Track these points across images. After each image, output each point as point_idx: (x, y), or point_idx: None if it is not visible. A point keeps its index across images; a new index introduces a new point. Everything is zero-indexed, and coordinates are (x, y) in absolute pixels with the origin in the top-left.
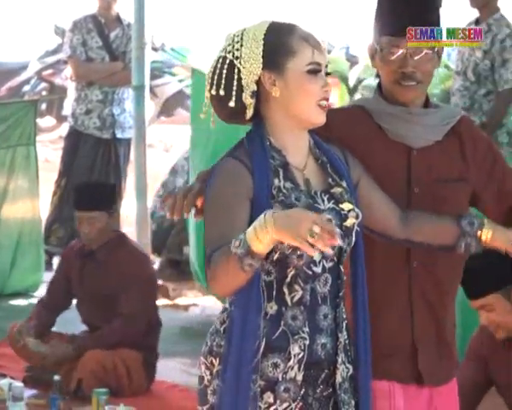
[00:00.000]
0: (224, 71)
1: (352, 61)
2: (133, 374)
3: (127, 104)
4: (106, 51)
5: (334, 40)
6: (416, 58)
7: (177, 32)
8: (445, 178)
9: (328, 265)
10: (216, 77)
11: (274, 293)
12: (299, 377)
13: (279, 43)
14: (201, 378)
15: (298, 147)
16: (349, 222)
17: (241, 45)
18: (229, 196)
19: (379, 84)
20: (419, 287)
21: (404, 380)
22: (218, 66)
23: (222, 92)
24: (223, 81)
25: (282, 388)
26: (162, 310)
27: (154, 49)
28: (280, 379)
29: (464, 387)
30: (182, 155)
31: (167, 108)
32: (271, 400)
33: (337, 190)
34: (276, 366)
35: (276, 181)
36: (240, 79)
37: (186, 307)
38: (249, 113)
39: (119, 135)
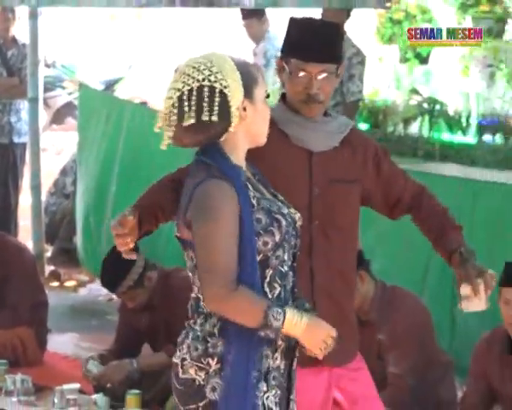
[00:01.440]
0: (217, 99)
1: None
2: (27, 347)
3: (23, 114)
4: (3, 68)
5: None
6: (319, 78)
7: (66, 51)
8: (341, 179)
9: (290, 262)
10: (205, 104)
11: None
12: (282, 366)
13: (246, 73)
14: (192, 380)
15: (244, 163)
16: (298, 224)
17: (224, 75)
18: (230, 218)
19: (283, 95)
20: (319, 277)
21: (301, 363)
22: (205, 95)
23: (215, 119)
24: (215, 108)
25: (272, 376)
26: (54, 292)
27: (47, 66)
28: (270, 369)
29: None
30: (71, 158)
31: (58, 117)
32: (265, 388)
33: (280, 197)
34: (267, 357)
35: (251, 193)
36: (229, 106)
37: (75, 289)
38: (226, 136)
39: (16, 140)
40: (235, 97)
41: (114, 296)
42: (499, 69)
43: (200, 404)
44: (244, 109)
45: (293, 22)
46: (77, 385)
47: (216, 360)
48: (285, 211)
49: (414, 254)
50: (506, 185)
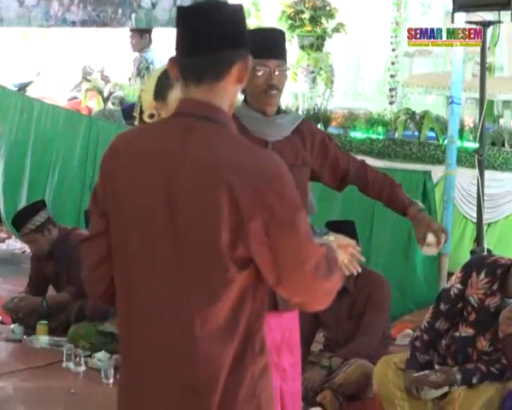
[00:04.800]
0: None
1: (106, 80)
2: None
3: None
4: None
5: (94, 65)
6: (276, 72)
7: None
8: (292, 164)
9: None
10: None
11: None
12: None
13: (165, 81)
14: None
15: None
16: None
17: (143, 88)
18: None
19: (245, 97)
20: None
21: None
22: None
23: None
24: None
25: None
26: None
27: None
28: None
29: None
30: None
31: None
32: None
33: None
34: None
35: None
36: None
37: None
38: None
39: None
40: (146, 103)
41: (27, 249)
42: (319, 75)
43: None
44: (156, 109)
45: (252, 31)
46: None
47: None
48: None
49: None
50: None
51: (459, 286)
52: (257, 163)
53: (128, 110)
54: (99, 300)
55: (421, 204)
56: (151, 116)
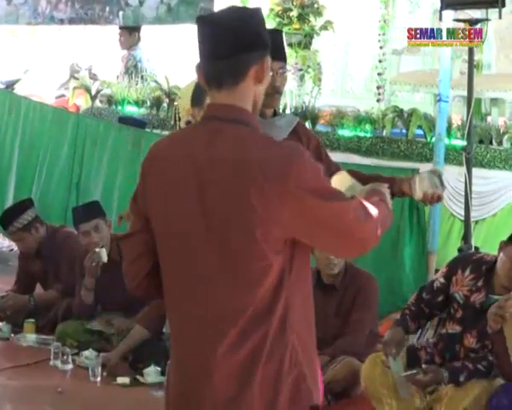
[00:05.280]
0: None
1: (94, 78)
2: None
3: None
4: None
5: (82, 63)
6: (279, 72)
7: None
8: None
9: None
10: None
11: None
12: None
13: (199, 87)
14: None
15: None
16: None
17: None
18: None
19: None
20: None
21: None
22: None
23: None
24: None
25: None
26: None
27: None
28: None
29: None
30: None
31: None
32: None
33: None
34: None
35: None
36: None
37: None
38: None
39: None
40: (182, 110)
41: (15, 247)
42: (307, 72)
43: None
44: (192, 116)
45: None
46: None
47: None
48: None
49: None
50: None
51: (442, 280)
52: (281, 158)
53: (126, 119)
54: (135, 291)
55: None
56: (187, 123)
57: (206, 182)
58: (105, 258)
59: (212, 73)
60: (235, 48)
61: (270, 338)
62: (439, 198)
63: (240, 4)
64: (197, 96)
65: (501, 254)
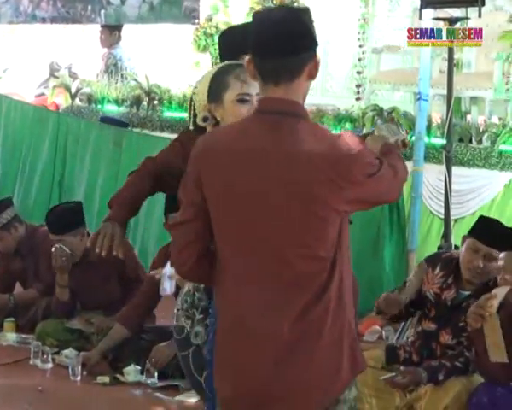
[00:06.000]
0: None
1: (74, 76)
2: None
3: None
4: None
5: (61, 62)
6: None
7: None
8: None
9: None
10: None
11: None
12: None
13: (218, 81)
14: (181, 328)
15: None
16: None
17: (195, 90)
18: None
19: None
20: None
21: None
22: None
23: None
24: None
25: None
26: None
27: None
28: None
29: None
30: None
31: None
32: None
33: None
34: None
35: None
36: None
37: None
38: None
39: None
40: (199, 106)
41: None
42: None
43: (190, 350)
44: (209, 111)
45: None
46: None
47: (200, 310)
48: None
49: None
50: None
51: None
52: (336, 148)
53: (108, 120)
54: (186, 276)
55: None
56: (205, 119)
57: (274, 176)
58: (67, 249)
59: (270, 70)
60: (296, 48)
61: (333, 305)
62: (404, 144)
63: (220, 2)
64: (214, 91)
65: (462, 249)
